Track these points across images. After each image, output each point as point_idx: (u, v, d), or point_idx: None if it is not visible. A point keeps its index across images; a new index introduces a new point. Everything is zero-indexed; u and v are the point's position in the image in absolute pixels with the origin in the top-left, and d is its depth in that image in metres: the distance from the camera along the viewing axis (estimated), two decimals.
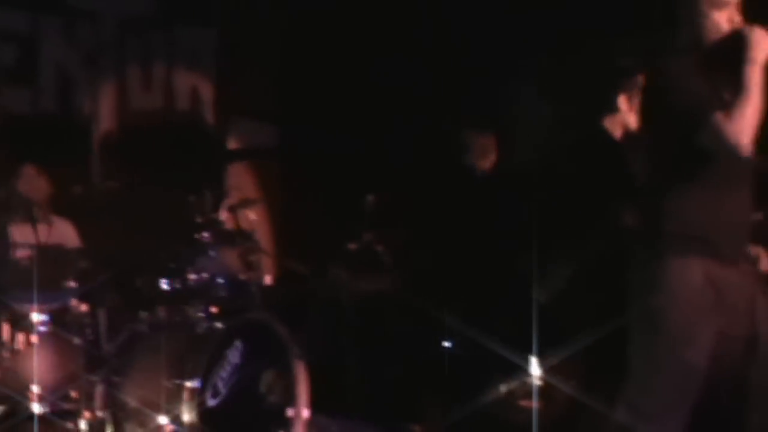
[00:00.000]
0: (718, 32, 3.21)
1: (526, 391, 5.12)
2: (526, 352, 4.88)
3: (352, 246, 5.30)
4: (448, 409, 4.98)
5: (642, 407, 3.19)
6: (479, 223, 5.15)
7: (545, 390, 4.89)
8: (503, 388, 5.37)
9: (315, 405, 4.71)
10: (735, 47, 3.13)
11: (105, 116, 6.32)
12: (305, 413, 4.56)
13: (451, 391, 5.13)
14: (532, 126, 5.68)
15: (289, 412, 4.56)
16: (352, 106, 6.54)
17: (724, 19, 3.21)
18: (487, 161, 5.31)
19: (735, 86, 3.09)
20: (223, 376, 4.71)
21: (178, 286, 4.92)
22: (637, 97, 3.72)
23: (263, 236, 5.54)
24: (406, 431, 5.18)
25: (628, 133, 3.95)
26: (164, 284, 4.93)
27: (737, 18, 3.19)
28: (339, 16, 6.65)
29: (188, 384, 4.60)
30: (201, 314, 4.89)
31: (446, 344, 5.27)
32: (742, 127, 3.03)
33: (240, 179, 6.55)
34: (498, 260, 5.24)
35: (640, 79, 3.49)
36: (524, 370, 5.07)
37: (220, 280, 4.94)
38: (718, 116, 3.05)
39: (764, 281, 3.42)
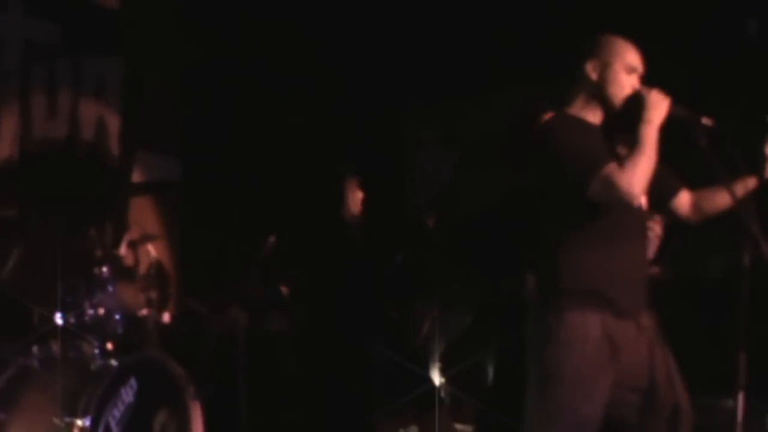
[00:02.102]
0: (622, 94, 3.31)
1: None
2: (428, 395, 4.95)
3: (252, 285, 5.27)
4: None
5: None
6: (378, 265, 5.18)
7: None
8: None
9: None
10: (634, 107, 3.25)
11: (5, 143, 6.17)
12: None
13: None
14: (432, 175, 5.76)
15: None
16: (258, 142, 6.55)
17: (629, 84, 3.32)
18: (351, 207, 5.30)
19: (631, 144, 3.20)
20: (115, 414, 4.62)
21: (73, 320, 4.82)
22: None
23: (163, 272, 5.46)
24: None
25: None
26: (59, 318, 4.82)
27: (638, 85, 3.31)
28: (246, 51, 6.67)
29: (79, 422, 4.50)
30: (95, 350, 4.79)
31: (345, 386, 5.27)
32: (633, 180, 3.12)
33: (142, 214, 6.46)
34: (399, 304, 5.28)
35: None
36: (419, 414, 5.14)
37: (117, 316, 4.86)
38: (610, 167, 3.13)
39: (661, 334, 3.50)
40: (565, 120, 3.33)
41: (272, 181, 6.50)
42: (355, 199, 5.25)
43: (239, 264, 5.53)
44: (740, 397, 3.23)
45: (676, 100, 3.26)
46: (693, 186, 3.49)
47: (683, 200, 3.48)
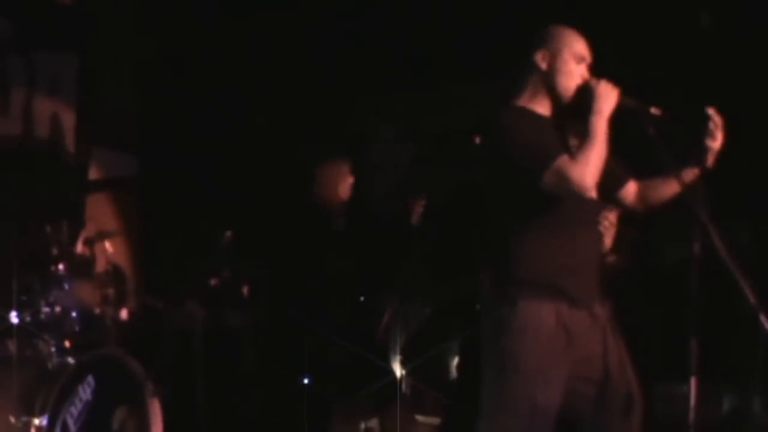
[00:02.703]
0: (571, 83, 3.34)
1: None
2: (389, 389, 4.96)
3: (210, 281, 5.25)
4: None
5: None
6: (338, 259, 5.16)
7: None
8: (362, 426, 5.41)
9: None
10: (583, 98, 3.27)
11: None
12: None
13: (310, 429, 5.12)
14: (392, 164, 5.77)
15: None
16: (215, 137, 6.53)
17: (578, 74, 3.34)
18: (339, 192, 5.24)
19: (581, 135, 3.22)
20: (73, 412, 4.59)
21: (29, 319, 4.78)
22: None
23: (120, 269, 5.43)
24: None
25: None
26: (14, 317, 4.77)
27: (587, 75, 3.33)
28: (201, 46, 6.65)
29: (36, 421, 4.46)
30: (52, 348, 4.75)
31: (305, 381, 5.26)
32: (585, 171, 3.15)
33: (98, 210, 6.41)
34: (357, 297, 5.28)
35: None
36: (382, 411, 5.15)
37: (74, 314, 4.83)
38: (561, 160, 3.15)
39: (615, 324, 3.52)
40: (516, 113, 3.35)
41: (231, 175, 6.48)
42: (345, 184, 5.20)
43: (197, 259, 5.52)
44: (693, 382, 3.26)
45: (625, 90, 3.29)
46: (642, 175, 3.52)
47: (630, 190, 3.51)
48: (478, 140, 3.40)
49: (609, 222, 4.74)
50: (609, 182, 3.39)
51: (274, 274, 5.26)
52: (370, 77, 6.44)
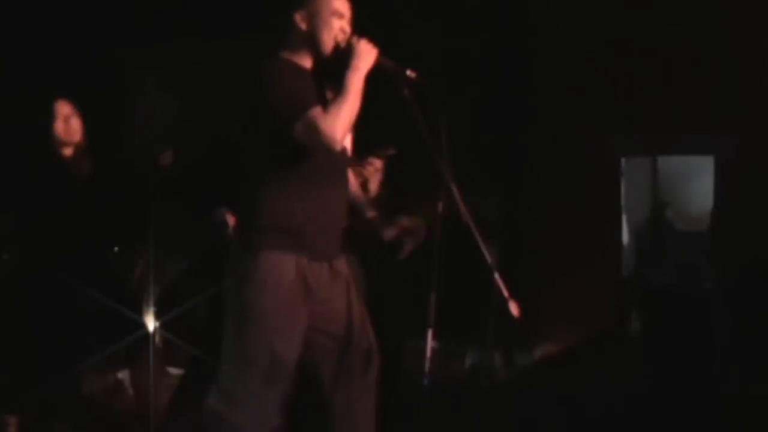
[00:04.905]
0: (331, 38, 3.39)
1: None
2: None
3: None
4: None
5: (231, 394, 3.28)
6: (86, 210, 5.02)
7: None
8: (112, 378, 5.33)
9: None
10: (344, 55, 3.33)
11: None
12: None
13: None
14: (155, 120, 5.68)
15: None
16: None
17: (338, 28, 3.40)
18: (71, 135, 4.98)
19: (338, 89, 3.28)
20: None
21: None
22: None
23: None
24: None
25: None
26: None
27: (348, 29, 3.40)
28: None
29: None
30: None
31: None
32: (335, 124, 3.20)
33: None
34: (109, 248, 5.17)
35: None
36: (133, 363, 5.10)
37: None
38: (314, 111, 3.20)
39: (357, 280, 3.61)
40: (276, 63, 3.38)
41: None
42: (71, 126, 4.93)
43: None
44: (429, 334, 3.41)
45: (384, 51, 3.37)
46: (394, 134, 3.62)
47: None
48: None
49: (374, 168, 4.88)
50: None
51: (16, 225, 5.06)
52: (135, 28, 6.30)
